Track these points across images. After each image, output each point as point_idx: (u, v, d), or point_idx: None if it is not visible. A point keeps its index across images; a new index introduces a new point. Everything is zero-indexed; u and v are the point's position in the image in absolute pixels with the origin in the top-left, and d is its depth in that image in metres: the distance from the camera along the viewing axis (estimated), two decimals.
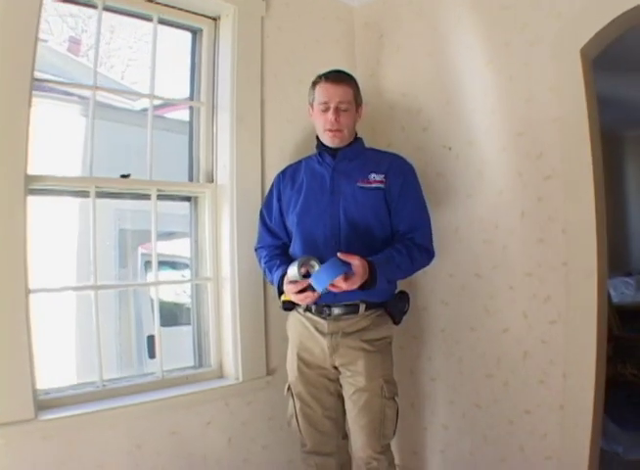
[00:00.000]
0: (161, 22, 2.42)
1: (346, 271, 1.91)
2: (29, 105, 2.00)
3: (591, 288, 2.19)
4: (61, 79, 2.64)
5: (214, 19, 2.53)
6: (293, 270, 2.02)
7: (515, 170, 2.37)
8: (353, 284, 1.95)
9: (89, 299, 2.28)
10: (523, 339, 2.37)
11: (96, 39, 2.28)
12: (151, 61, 2.40)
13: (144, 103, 2.58)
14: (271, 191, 2.37)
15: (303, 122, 2.50)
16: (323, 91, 2.18)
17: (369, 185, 2.17)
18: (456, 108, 2.54)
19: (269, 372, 2.53)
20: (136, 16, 2.44)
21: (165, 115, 3.02)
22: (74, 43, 3.45)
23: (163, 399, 2.27)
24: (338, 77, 2.19)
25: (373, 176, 2.17)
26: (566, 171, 2.24)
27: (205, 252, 2.53)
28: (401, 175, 2.20)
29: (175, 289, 2.96)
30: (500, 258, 2.42)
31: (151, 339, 2.87)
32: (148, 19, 2.39)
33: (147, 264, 3.05)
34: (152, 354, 2.96)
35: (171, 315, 2.96)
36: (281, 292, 2.15)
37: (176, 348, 2.57)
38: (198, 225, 2.54)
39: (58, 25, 3.34)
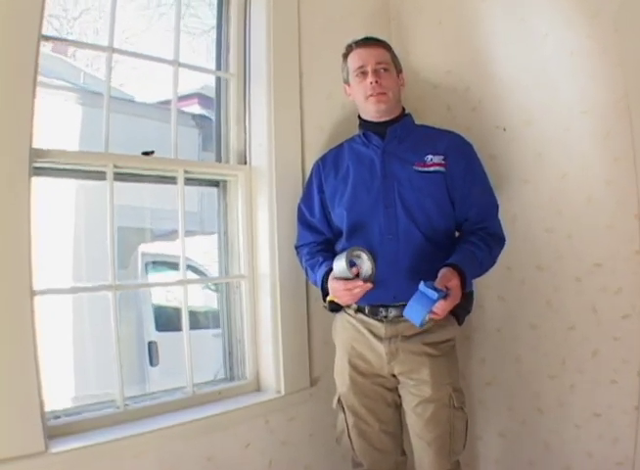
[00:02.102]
0: None
1: (441, 297, 1.65)
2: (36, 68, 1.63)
3: None
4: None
5: None
6: (338, 265, 1.74)
7: (579, 152, 2.19)
8: (453, 303, 1.72)
9: (88, 301, 1.92)
10: (591, 336, 2.17)
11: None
12: (175, 22, 2.06)
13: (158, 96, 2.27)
14: (310, 181, 2.09)
15: (342, 99, 2.22)
16: (356, 57, 1.97)
17: (427, 168, 1.92)
18: (509, 85, 2.34)
19: (312, 382, 2.22)
20: None
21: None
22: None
23: (197, 419, 1.93)
24: (370, 40, 2.00)
25: (430, 158, 1.93)
26: (636, 152, 2.06)
27: (236, 246, 2.20)
28: (463, 156, 1.97)
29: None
30: (564, 249, 2.22)
31: (152, 345, 2.54)
32: None
33: (148, 265, 2.71)
34: (153, 362, 2.63)
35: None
36: (326, 292, 1.87)
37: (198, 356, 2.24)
38: (227, 215, 2.20)
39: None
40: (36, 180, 1.66)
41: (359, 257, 1.74)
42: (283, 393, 2.12)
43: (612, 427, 2.14)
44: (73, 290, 2.01)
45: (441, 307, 1.68)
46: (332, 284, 1.82)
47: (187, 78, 2.32)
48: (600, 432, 2.16)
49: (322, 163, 2.08)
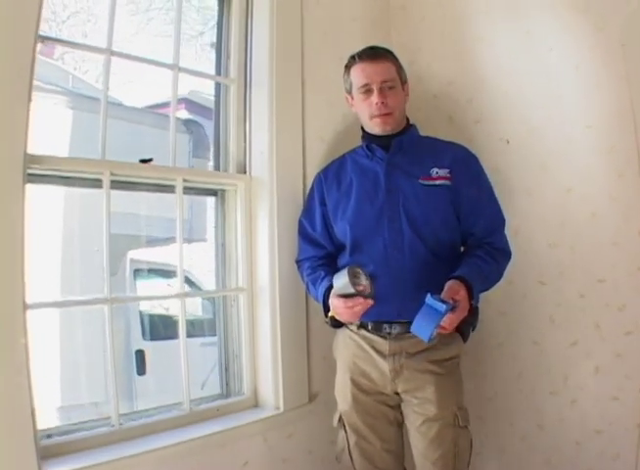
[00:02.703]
0: None
1: (449, 309, 1.60)
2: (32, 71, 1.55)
3: None
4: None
5: None
6: (338, 282, 1.69)
7: (583, 166, 2.16)
8: (461, 316, 1.67)
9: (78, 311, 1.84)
10: (594, 352, 2.15)
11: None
12: (175, 26, 1.99)
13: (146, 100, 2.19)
14: (312, 194, 2.03)
15: (343, 109, 2.15)
16: (360, 73, 1.88)
17: (432, 182, 1.87)
18: (513, 97, 2.31)
19: (311, 398, 2.15)
20: None
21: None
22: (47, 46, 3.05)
23: (194, 438, 1.84)
24: (374, 54, 1.89)
25: (435, 171, 1.88)
26: None
27: (234, 257, 2.12)
28: (469, 169, 1.93)
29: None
30: (568, 264, 2.20)
31: (139, 354, 2.46)
32: None
33: (136, 272, 2.64)
34: (140, 371, 2.55)
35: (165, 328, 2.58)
36: (327, 308, 1.81)
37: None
38: (225, 225, 2.13)
39: None
40: (30, 187, 1.57)
41: (358, 274, 1.68)
42: (282, 409, 2.05)
43: (613, 444, 2.11)
44: (67, 303, 1.91)
45: (449, 321, 1.64)
46: (333, 301, 1.76)
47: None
48: (601, 449, 2.13)
49: (324, 175, 2.02)
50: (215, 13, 2.16)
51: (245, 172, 2.14)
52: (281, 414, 2.05)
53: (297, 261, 2.03)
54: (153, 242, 2.79)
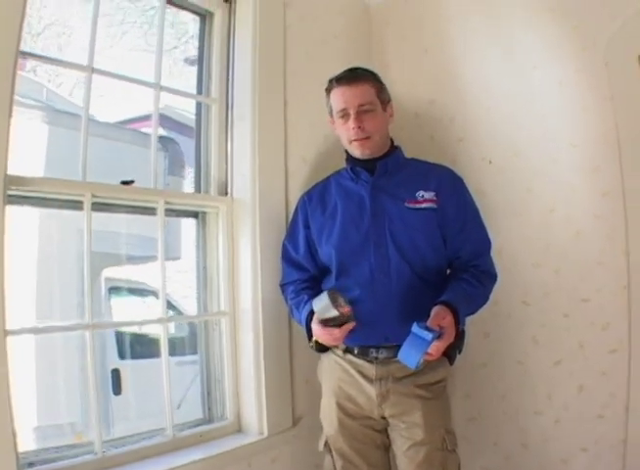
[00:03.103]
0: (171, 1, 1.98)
1: (436, 337, 1.59)
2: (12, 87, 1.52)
3: None
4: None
5: (229, 1, 2.12)
6: (320, 304, 1.67)
7: (567, 185, 2.16)
8: (448, 342, 1.65)
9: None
10: (578, 371, 2.15)
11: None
12: (157, 45, 1.95)
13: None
14: (295, 217, 2.00)
15: (325, 130, 2.14)
16: (338, 97, 1.86)
17: (419, 205, 1.84)
18: (496, 116, 2.30)
19: (295, 422, 2.11)
20: None
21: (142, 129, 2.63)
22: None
23: (180, 466, 1.79)
24: (351, 76, 1.86)
25: (421, 194, 1.85)
26: (625, 187, 2.05)
27: (215, 280, 2.08)
28: (455, 192, 1.90)
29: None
30: (552, 284, 2.19)
31: (115, 373, 2.42)
32: None
33: (111, 291, 2.59)
34: (116, 391, 2.51)
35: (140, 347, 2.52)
36: (311, 332, 1.79)
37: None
38: (207, 248, 2.09)
39: None
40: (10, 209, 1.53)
41: (337, 298, 1.66)
42: (266, 434, 2.01)
43: (599, 461, 2.11)
44: (49, 329, 1.86)
45: (436, 348, 1.62)
46: (314, 327, 1.75)
47: (145, 98, 2.18)
48: (587, 466, 2.14)
49: (308, 197, 1.99)
50: (196, 29, 2.12)
51: (226, 194, 2.10)
52: (265, 439, 2.02)
53: (282, 285, 2.00)
54: (127, 260, 2.73)
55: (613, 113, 2.09)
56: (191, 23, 2.28)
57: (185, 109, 2.25)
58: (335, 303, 1.64)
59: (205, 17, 2.13)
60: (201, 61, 2.12)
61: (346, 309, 1.66)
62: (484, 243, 1.93)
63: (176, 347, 2.43)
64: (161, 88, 1.96)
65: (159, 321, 1.93)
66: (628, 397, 2.06)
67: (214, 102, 2.11)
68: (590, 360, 2.13)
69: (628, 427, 2.06)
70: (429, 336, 1.57)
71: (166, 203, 1.93)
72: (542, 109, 2.22)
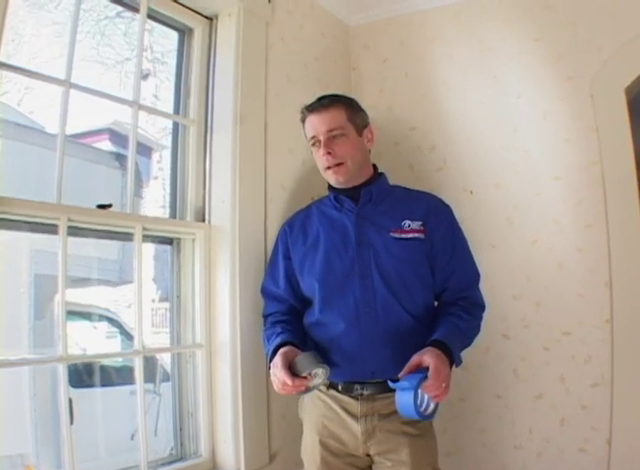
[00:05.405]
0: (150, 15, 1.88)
1: (422, 379, 1.52)
2: None
3: (639, 346, 2.01)
4: None
5: (210, 18, 2.04)
6: (303, 357, 1.61)
7: (550, 218, 2.16)
8: (440, 376, 1.55)
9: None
10: (559, 405, 2.13)
11: None
12: (137, 60, 1.85)
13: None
14: (275, 249, 1.92)
15: (303, 154, 2.08)
16: (309, 126, 1.82)
17: (405, 235, 1.77)
18: (478, 145, 2.28)
19: (271, 459, 2.01)
20: None
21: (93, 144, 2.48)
22: None
23: None
24: (320, 104, 1.81)
25: (408, 224, 1.78)
26: (610, 220, 2.06)
27: (190, 311, 1.97)
28: (442, 222, 1.83)
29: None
30: (533, 317, 2.18)
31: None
32: (135, 9, 1.85)
33: (67, 315, 2.46)
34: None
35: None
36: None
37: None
38: (181, 276, 1.98)
39: None
40: None
41: (316, 374, 1.61)
42: None
43: None
44: (21, 362, 1.71)
45: (431, 388, 1.54)
46: (271, 368, 1.66)
47: (98, 111, 2.08)
48: None
49: (288, 227, 1.90)
50: (174, 48, 2.03)
51: (204, 220, 1.99)
52: None
53: (263, 317, 1.91)
54: (79, 283, 2.59)
55: (597, 144, 2.10)
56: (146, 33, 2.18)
57: (140, 125, 2.14)
58: (312, 367, 1.59)
59: (184, 32, 2.03)
60: (179, 80, 2.02)
61: (312, 378, 1.61)
62: (473, 274, 1.87)
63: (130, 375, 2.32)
64: (140, 107, 1.85)
65: (134, 354, 1.80)
66: (610, 430, 2.05)
67: (193, 123, 2.01)
68: (572, 394, 2.12)
69: (610, 461, 2.05)
70: (411, 383, 1.51)
71: (144, 229, 1.82)
72: (526, 139, 2.21)
